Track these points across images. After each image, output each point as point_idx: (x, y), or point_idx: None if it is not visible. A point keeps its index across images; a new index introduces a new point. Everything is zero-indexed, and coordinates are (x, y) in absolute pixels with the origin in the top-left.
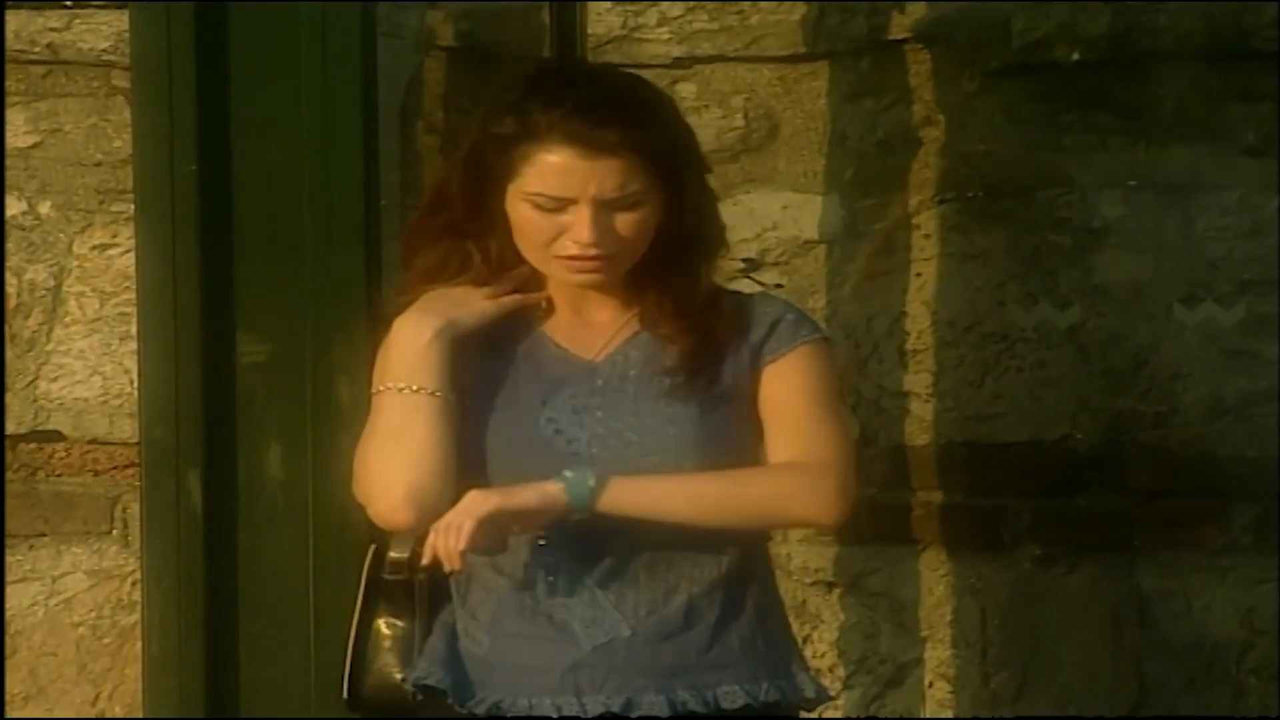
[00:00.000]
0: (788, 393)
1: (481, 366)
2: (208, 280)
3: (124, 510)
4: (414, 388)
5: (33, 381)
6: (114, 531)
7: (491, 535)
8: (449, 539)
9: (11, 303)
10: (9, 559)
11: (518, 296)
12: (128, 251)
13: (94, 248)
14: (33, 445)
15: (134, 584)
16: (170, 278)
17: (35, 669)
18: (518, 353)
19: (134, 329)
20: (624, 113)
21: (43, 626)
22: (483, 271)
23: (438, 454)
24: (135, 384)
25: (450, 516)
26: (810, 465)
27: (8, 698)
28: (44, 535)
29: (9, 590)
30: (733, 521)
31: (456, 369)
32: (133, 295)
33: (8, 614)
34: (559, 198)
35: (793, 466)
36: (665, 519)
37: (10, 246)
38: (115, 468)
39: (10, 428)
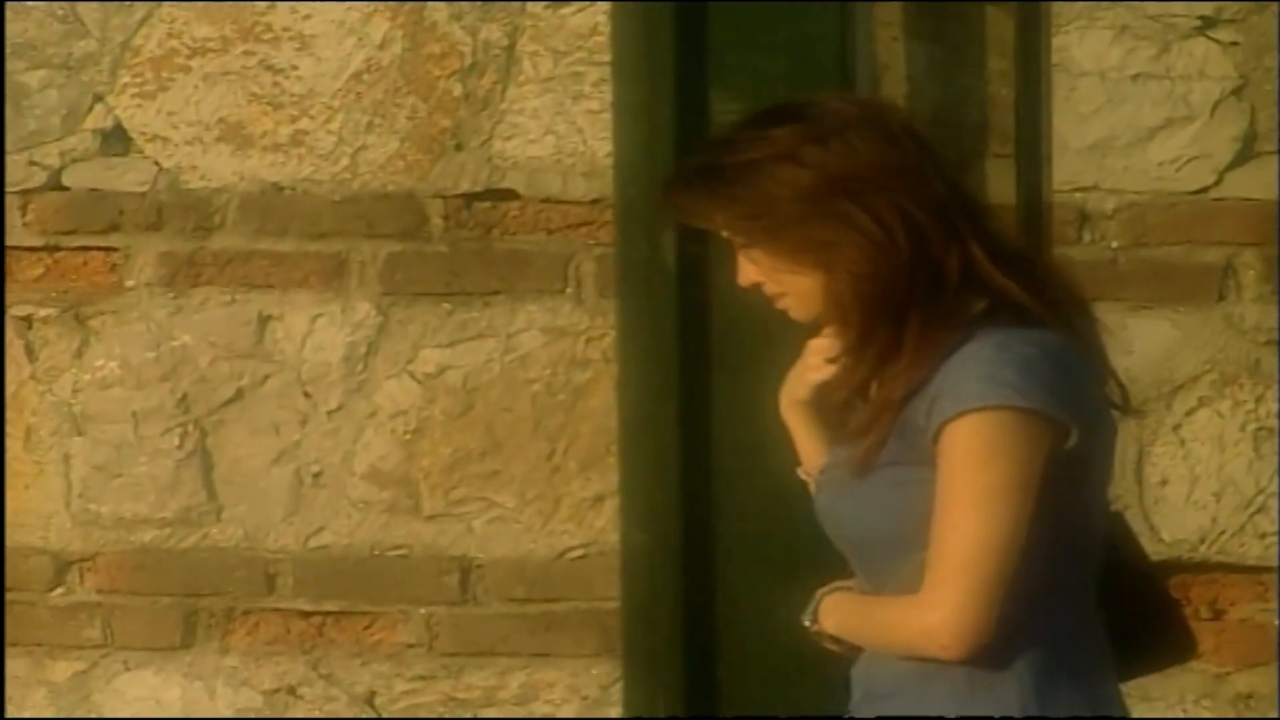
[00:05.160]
0: (941, 478)
1: None
2: (680, 39)
3: (578, 269)
4: None
5: (487, 140)
6: (568, 290)
7: None
8: None
9: (466, 61)
10: (465, 316)
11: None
12: (582, 10)
13: (548, 6)
14: (487, 204)
15: (588, 341)
16: (644, 34)
17: (491, 424)
18: None
19: (586, 89)
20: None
21: (499, 383)
22: None
23: None
24: (587, 143)
25: None
26: (923, 601)
27: None
28: (499, 293)
29: (463, 347)
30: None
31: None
32: (585, 54)
33: (464, 369)
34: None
35: (910, 604)
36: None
37: (464, 5)
38: (568, 226)
39: (465, 186)
